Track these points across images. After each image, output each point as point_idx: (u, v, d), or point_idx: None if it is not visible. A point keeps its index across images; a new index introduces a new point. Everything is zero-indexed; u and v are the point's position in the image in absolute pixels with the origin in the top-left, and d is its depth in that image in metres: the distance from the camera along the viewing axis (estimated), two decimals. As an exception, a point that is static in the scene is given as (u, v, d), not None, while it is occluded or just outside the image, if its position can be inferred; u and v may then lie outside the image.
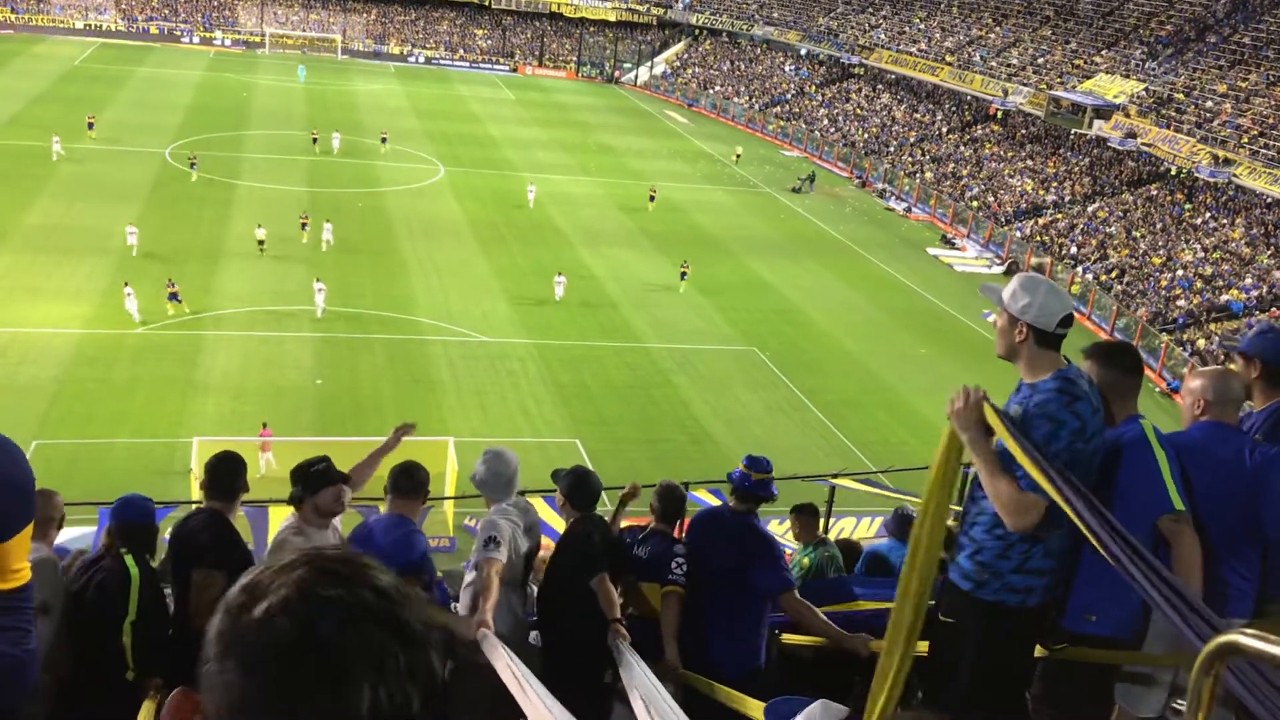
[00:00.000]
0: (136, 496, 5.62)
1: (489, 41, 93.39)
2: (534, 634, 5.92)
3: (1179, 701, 4.16)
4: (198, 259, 36.20)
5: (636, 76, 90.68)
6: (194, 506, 5.88)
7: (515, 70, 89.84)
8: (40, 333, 29.06)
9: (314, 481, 5.50)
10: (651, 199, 49.90)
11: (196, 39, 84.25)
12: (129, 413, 26.01)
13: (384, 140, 56.05)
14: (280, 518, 5.84)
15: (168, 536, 6.16)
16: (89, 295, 32.41)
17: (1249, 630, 1.86)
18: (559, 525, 6.21)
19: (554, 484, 6.05)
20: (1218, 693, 1.96)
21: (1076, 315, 38.94)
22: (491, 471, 5.78)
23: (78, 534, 12.23)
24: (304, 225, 39.68)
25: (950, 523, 4.17)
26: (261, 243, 37.55)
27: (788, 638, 6.05)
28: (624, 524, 6.69)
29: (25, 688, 3.57)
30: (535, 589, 6.16)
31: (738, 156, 63.54)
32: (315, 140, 54.11)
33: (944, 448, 3.76)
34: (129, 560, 5.18)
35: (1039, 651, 4.35)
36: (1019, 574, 3.95)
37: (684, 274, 39.08)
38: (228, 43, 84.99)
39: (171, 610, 5.46)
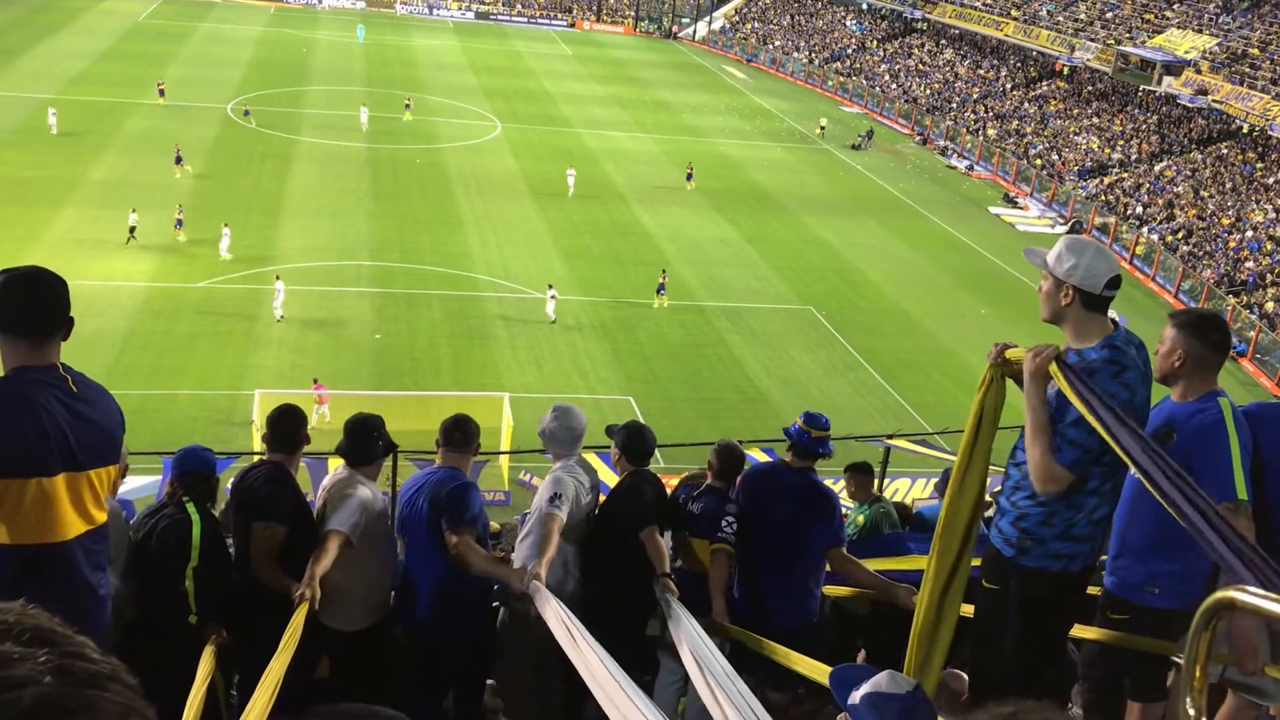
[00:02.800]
0: (198, 448, 5.70)
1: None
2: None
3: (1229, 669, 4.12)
4: (259, 213, 36.65)
5: (695, 31, 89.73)
6: (256, 459, 5.99)
7: (573, 25, 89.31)
8: (106, 285, 29.64)
9: (380, 447, 5.68)
10: (689, 177, 46.68)
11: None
12: (192, 364, 26.53)
13: (408, 106, 53.16)
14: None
15: (229, 487, 6.28)
16: (152, 249, 33.00)
17: (1247, 588, 1.89)
18: (613, 480, 6.26)
19: (609, 439, 6.09)
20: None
21: (1141, 277, 37.89)
22: (562, 426, 5.85)
23: (143, 483, 12.55)
24: (179, 222, 34.04)
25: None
26: (133, 229, 33.09)
27: (832, 589, 6.07)
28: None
29: (100, 626, 3.73)
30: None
31: (822, 129, 59.34)
32: (247, 113, 49.26)
33: (981, 393, 3.78)
34: (191, 508, 5.28)
35: (1097, 634, 4.32)
36: (1062, 540, 3.92)
37: (661, 286, 33.21)
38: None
39: (233, 559, 5.59)
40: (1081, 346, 3.84)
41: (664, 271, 34.05)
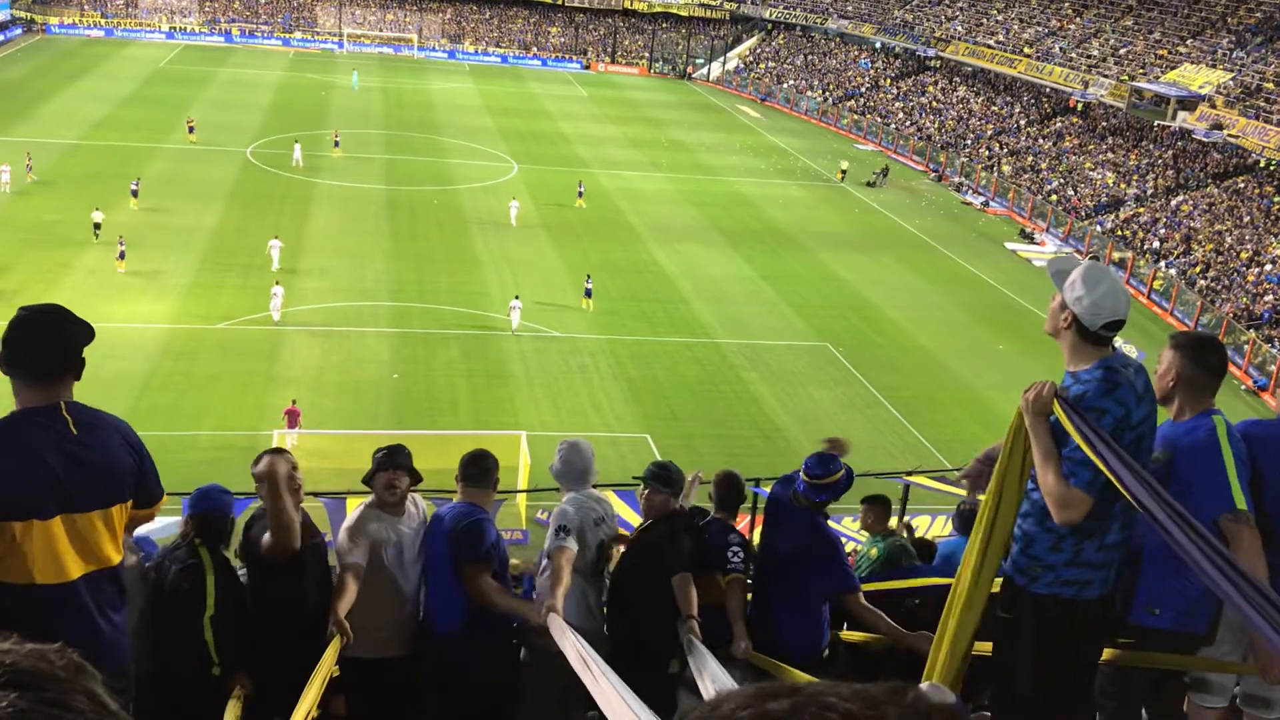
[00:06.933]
0: (214, 487, 5.64)
1: (562, 39, 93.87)
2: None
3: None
4: (279, 254, 36.95)
5: (709, 72, 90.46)
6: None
7: (588, 67, 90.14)
8: (126, 327, 29.87)
9: (372, 468, 5.65)
10: (580, 194, 47.50)
11: (276, 40, 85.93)
12: (212, 405, 26.66)
13: (336, 143, 52.96)
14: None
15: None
16: (174, 290, 33.31)
17: None
18: (636, 520, 6.28)
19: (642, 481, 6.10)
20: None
21: (1160, 311, 37.67)
22: (565, 461, 5.92)
23: (165, 523, 12.55)
24: (121, 254, 34.34)
25: None
26: (97, 226, 36.43)
27: (848, 634, 6.06)
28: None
29: (112, 667, 3.69)
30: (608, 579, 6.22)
31: (843, 174, 58.06)
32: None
33: (1012, 431, 3.80)
34: (204, 553, 5.21)
35: (1109, 654, 4.28)
36: (1072, 567, 3.87)
37: (588, 290, 35.02)
38: (307, 43, 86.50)
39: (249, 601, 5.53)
40: (1076, 368, 3.85)
41: (589, 276, 35.52)
